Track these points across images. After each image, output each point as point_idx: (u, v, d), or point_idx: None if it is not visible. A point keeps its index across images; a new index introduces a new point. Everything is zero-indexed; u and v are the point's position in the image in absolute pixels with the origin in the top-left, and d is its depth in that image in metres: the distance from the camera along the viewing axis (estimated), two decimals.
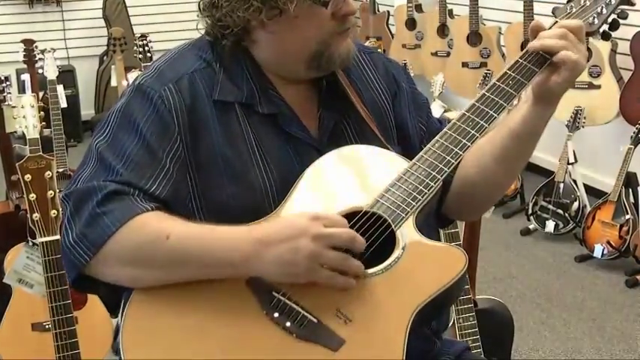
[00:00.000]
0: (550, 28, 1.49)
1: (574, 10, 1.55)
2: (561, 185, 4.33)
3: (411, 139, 1.60)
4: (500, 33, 5.34)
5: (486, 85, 4.87)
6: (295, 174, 1.43)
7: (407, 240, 1.35)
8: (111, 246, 1.31)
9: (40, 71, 4.39)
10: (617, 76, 4.39)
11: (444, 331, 1.70)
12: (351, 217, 1.36)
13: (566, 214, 4.31)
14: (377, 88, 1.59)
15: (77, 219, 1.34)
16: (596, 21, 1.54)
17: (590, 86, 4.35)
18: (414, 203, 1.37)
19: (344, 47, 1.47)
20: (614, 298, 3.80)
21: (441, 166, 1.41)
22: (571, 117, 4.28)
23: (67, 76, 5.86)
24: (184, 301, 1.32)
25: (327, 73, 1.51)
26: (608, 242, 3.98)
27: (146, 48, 4.11)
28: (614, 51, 4.37)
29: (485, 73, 4.56)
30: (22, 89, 4.87)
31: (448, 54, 5.66)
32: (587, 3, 1.55)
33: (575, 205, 4.29)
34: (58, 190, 2.28)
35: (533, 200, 4.43)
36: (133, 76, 3.55)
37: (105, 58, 6.58)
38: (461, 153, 1.43)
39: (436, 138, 1.45)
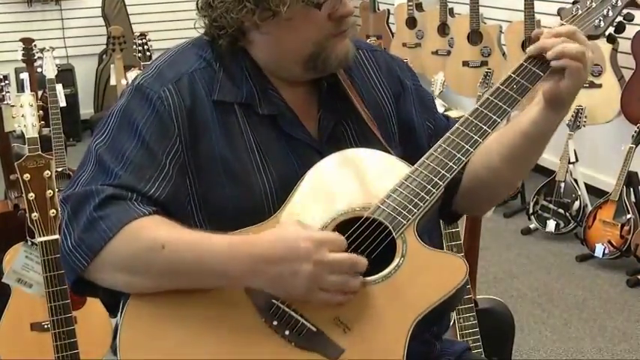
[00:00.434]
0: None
1: (580, 11, 1.53)
2: (562, 184, 4.32)
3: (419, 137, 1.59)
4: (500, 32, 5.33)
5: (487, 84, 4.85)
6: (295, 175, 1.42)
7: (407, 247, 1.34)
8: (107, 253, 1.30)
9: (39, 70, 4.38)
10: (619, 75, 4.38)
11: (444, 332, 1.70)
12: (353, 222, 1.35)
13: (567, 214, 4.30)
14: (379, 88, 1.58)
15: (75, 224, 1.33)
16: (602, 24, 1.52)
17: (592, 85, 4.33)
18: (415, 210, 1.36)
19: (341, 48, 1.45)
20: (615, 297, 3.79)
21: (443, 172, 1.39)
22: (572, 116, 4.26)
23: (66, 75, 5.85)
24: (183, 305, 1.31)
25: (325, 75, 1.49)
26: (610, 242, 3.97)
27: (145, 47, 4.11)
28: (615, 50, 4.36)
29: (486, 72, 4.54)
30: (20, 88, 4.85)
31: (449, 53, 5.66)
32: (594, 4, 1.53)
33: (576, 204, 4.28)
34: (57, 190, 2.27)
35: (534, 200, 4.42)
36: (132, 74, 3.54)
37: (104, 56, 6.56)
38: (463, 159, 1.41)
39: (439, 142, 1.43)
